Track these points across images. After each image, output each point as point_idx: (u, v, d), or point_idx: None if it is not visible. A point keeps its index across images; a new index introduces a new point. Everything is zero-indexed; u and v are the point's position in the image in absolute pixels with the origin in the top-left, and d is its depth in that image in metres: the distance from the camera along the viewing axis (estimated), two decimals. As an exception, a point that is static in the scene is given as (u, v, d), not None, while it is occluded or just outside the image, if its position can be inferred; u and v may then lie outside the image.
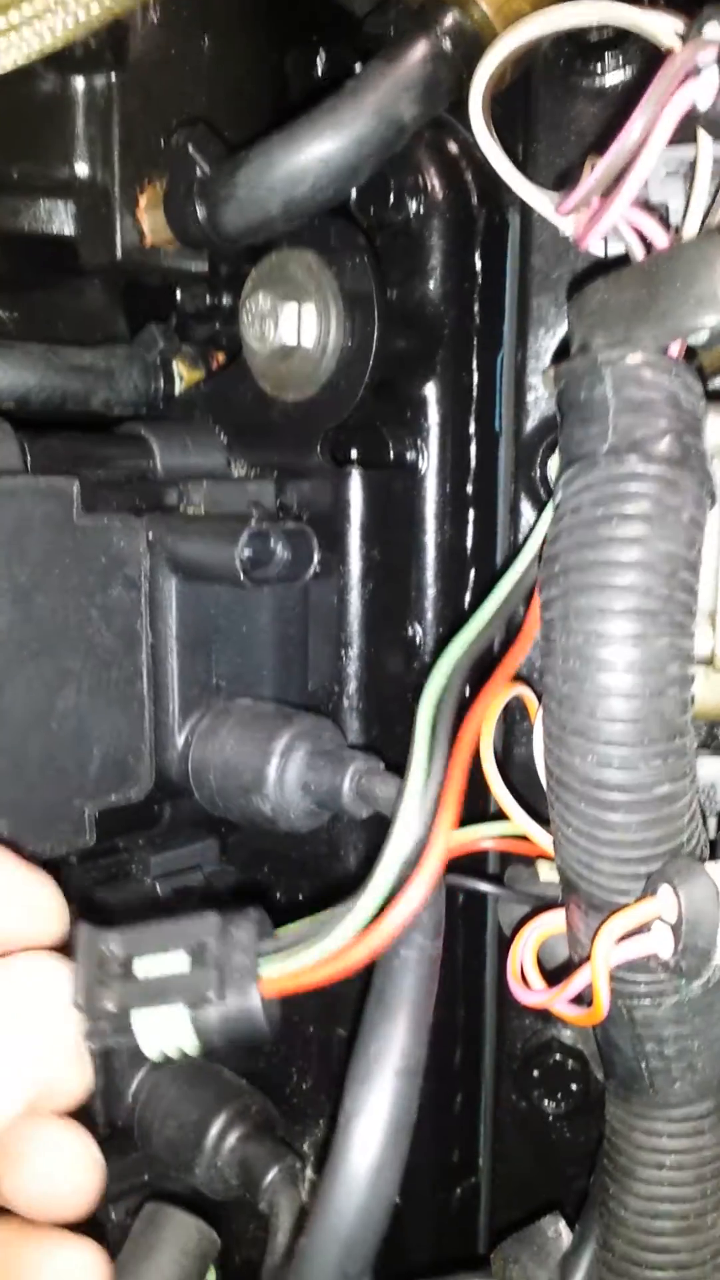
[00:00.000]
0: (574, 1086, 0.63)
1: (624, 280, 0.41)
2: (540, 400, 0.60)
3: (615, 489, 0.37)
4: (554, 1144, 0.65)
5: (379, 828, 0.61)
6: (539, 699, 0.44)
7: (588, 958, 0.42)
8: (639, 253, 0.43)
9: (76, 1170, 0.42)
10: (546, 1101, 0.64)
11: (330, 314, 0.55)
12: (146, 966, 0.42)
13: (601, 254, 0.52)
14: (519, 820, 0.48)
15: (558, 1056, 0.64)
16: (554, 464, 0.57)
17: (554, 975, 0.47)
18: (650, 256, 0.41)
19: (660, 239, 0.42)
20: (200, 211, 0.51)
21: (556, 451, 0.57)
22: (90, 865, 0.62)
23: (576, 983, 0.41)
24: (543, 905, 0.52)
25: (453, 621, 0.63)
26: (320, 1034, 0.63)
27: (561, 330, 0.59)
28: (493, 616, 0.48)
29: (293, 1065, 0.65)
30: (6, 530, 0.49)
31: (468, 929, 0.67)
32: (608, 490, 0.37)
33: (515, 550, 0.62)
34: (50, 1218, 0.43)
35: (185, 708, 0.57)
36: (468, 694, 0.48)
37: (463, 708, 0.47)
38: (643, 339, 0.39)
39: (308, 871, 0.62)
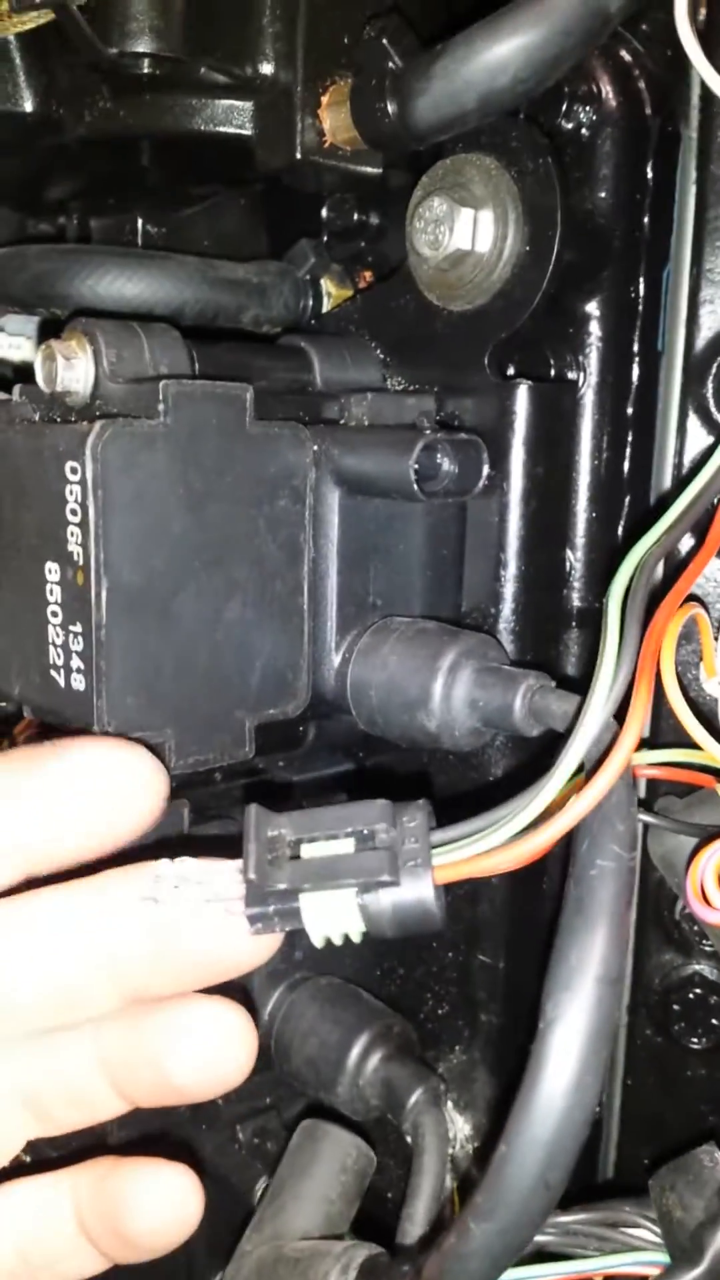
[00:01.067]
0: (715, 1022, 0.62)
1: None
2: (716, 314, 0.57)
3: None
4: (690, 1081, 0.64)
5: (530, 754, 0.60)
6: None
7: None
8: None
9: (234, 1046, 0.43)
10: (687, 1037, 0.63)
11: (509, 219, 0.53)
12: (316, 850, 0.41)
13: None
14: (703, 741, 0.47)
15: (699, 991, 0.63)
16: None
17: None
18: None
19: None
20: (391, 107, 0.50)
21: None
22: (232, 784, 0.62)
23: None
24: (707, 836, 0.51)
25: (608, 549, 0.62)
26: (459, 959, 0.62)
27: (736, 244, 0.57)
28: (678, 519, 0.47)
29: (428, 991, 0.64)
30: (183, 435, 0.48)
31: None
32: None
33: (678, 476, 0.61)
34: (201, 1092, 0.44)
35: (342, 625, 0.56)
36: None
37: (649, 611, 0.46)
38: None
39: (448, 799, 0.61)
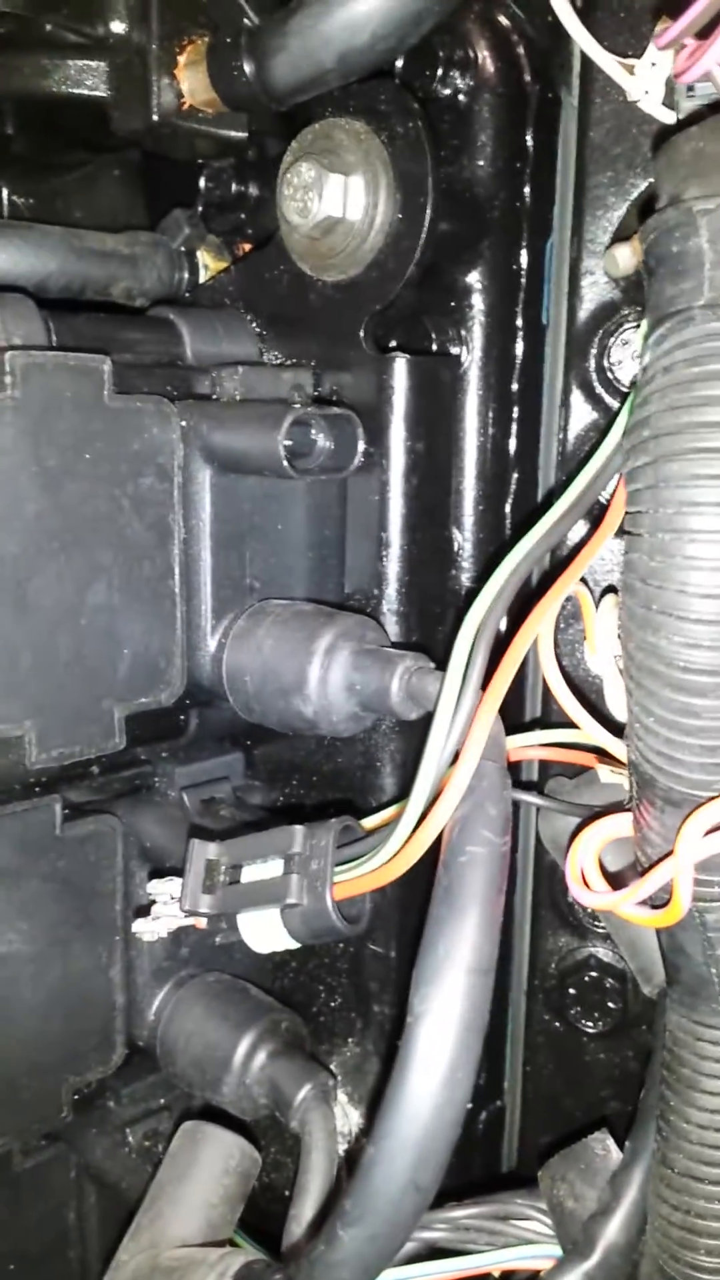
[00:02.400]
0: (611, 1005, 0.62)
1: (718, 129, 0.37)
2: (598, 285, 0.56)
3: (714, 345, 0.34)
4: (588, 1065, 0.64)
5: (415, 737, 0.59)
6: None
7: (663, 857, 0.40)
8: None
9: None
10: (583, 1020, 0.62)
11: (380, 185, 0.51)
12: (250, 873, 0.48)
13: (672, 119, 0.49)
14: (580, 720, 0.46)
15: (594, 974, 0.62)
16: (617, 351, 0.55)
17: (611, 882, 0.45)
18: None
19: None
20: (248, 66, 0.48)
21: (616, 336, 0.54)
22: (112, 777, 0.60)
23: (652, 881, 0.39)
24: (591, 816, 0.50)
25: (495, 528, 0.60)
26: (350, 950, 0.61)
27: (619, 213, 0.56)
28: (561, 517, 0.45)
29: (320, 983, 0.63)
30: (35, 410, 0.46)
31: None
32: (705, 347, 0.34)
33: (562, 454, 0.60)
34: None
35: (218, 609, 0.54)
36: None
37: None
38: (742, 189, 0.36)
39: (341, 785, 0.59)
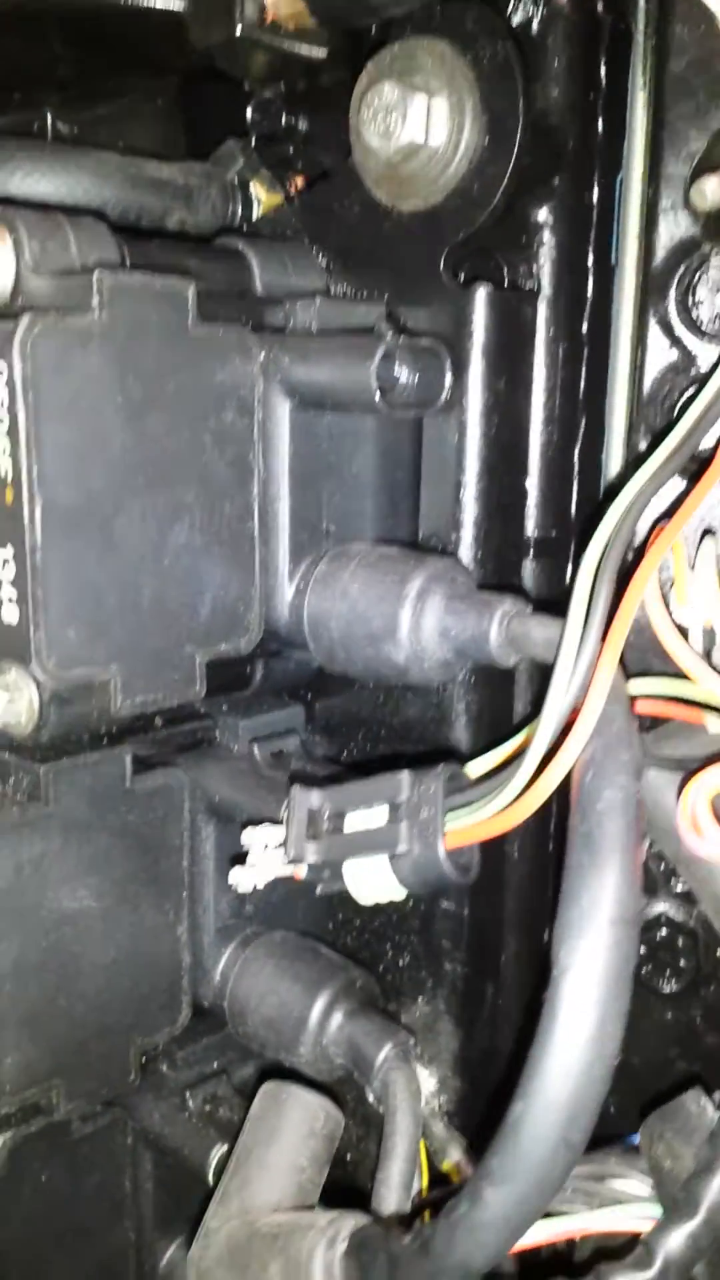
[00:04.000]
0: (684, 963, 0.60)
1: None
2: (678, 222, 0.54)
3: None
4: (660, 1025, 0.62)
5: (492, 690, 0.57)
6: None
7: None
8: None
9: None
10: (656, 980, 0.61)
11: (465, 108, 0.49)
12: (354, 821, 0.46)
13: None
14: (696, 669, 0.44)
15: (665, 932, 0.61)
16: (701, 290, 0.53)
17: None
18: None
19: None
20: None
21: (701, 274, 0.52)
22: (175, 730, 0.58)
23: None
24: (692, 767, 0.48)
25: (563, 475, 0.58)
26: (421, 907, 0.59)
27: (701, 146, 0.54)
28: (673, 452, 0.43)
29: (387, 941, 0.61)
30: (121, 335, 0.44)
31: (561, 804, 0.63)
32: None
33: (636, 396, 0.58)
34: None
35: (295, 552, 0.52)
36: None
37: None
38: None
39: (411, 738, 0.58)
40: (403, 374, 0.48)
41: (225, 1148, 0.56)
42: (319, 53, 0.53)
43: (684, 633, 0.49)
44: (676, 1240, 0.46)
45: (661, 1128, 0.50)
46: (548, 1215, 0.49)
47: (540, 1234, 0.48)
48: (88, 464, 0.43)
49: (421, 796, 0.44)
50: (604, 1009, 0.34)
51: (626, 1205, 0.49)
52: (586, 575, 0.40)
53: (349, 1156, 0.64)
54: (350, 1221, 0.42)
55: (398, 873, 0.44)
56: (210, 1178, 0.57)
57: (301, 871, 0.46)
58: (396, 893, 0.45)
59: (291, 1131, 0.49)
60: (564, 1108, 0.33)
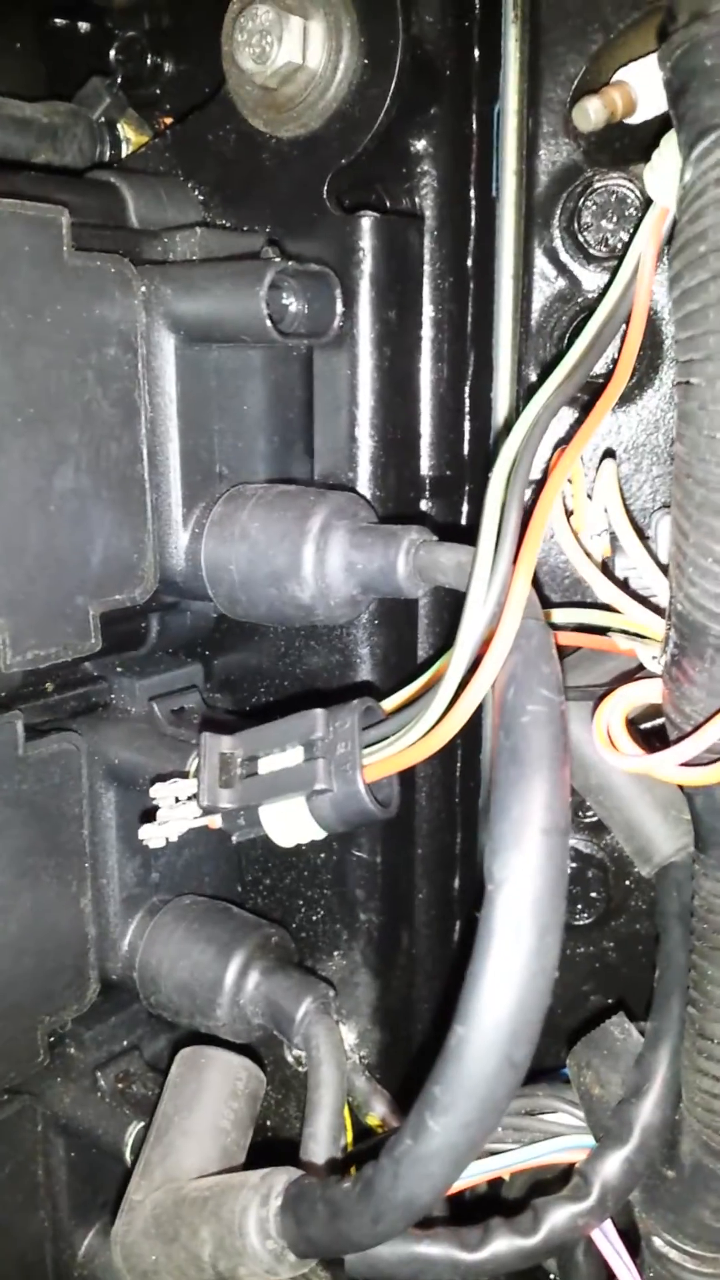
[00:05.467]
0: (594, 895, 0.60)
1: None
2: (559, 148, 0.53)
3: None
4: (573, 958, 0.62)
5: (395, 632, 0.56)
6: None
7: (714, 714, 0.38)
8: None
9: None
10: (568, 913, 0.60)
11: (342, 29, 0.47)
12: (268, 764, 0.44)
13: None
14: (612, 597, 0.44)
15: (575, 865, 0.60)
16: (586, 215, 0.52)
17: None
18: None
19: None
20: None
21: (585, 198, 0.52)
22: (68, 695, 0.55)
23: (707, 736, 0.37)
24: (603, 692, 0.48)
25: (453, 410, 0.58)
26: (333, 859, 0.58)
27: (579, 70, 0.53)
28: (574, 368, 0.43)
29: (299, 897, 0.60)
30: (-8, 264, 0.41)
31: (466, 749, 0.63)
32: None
33: (523, 328, 0.57)
34: None
35: (189, 496, 0.50)
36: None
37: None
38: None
39: (317, 685, 0.56)
40: (293, 301, 0.46)
41: (142, 1125, 0.54)
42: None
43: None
44: (612, 1166, 0.46)
45: (588, 1056, 0.49)
46: (484, 1155, 0.49)
47: (474, 1173, 0.48)
48: (-37, 401, 0.40)
49: (337, 733, 0.43)
50: (542, 920, 0.33)
51: (559, 1138, 0.49)
52: (495, 495, 0.39)
53: (269, 1122, 0.62)
54: (283, 1176, 0.40)
55: (316, 812, 0.43)
56: (128, 1157, 0.55)
57: (216, 820, 0.45)
58: (316, 832, 0.44)
59: (212, 1094, 0.47)
60: (506, 1025, 0.32)
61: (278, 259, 0.45)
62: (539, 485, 0.44)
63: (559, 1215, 0.45)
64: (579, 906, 0.61)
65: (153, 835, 0.46)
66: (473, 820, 0.64)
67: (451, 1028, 0.33)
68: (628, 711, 0.44)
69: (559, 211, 0.54)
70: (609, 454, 0.53)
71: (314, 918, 0.59)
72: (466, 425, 0.58)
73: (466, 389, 0.58)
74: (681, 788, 0.45)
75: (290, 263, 0.46)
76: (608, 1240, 0.47)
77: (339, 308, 0.49)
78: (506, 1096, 0.33)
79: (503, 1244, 0.45)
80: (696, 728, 0.39)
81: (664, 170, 0.39)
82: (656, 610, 0.43)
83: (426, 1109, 0.33)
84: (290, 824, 0.44)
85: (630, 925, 0.62)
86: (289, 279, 0.46)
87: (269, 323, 0.45)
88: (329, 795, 0.42)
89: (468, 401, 0.58)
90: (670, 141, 0.39)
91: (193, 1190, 0.43)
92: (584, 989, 0.63)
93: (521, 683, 0.36)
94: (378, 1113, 0.58)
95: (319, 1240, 0.37)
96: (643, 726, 0.46)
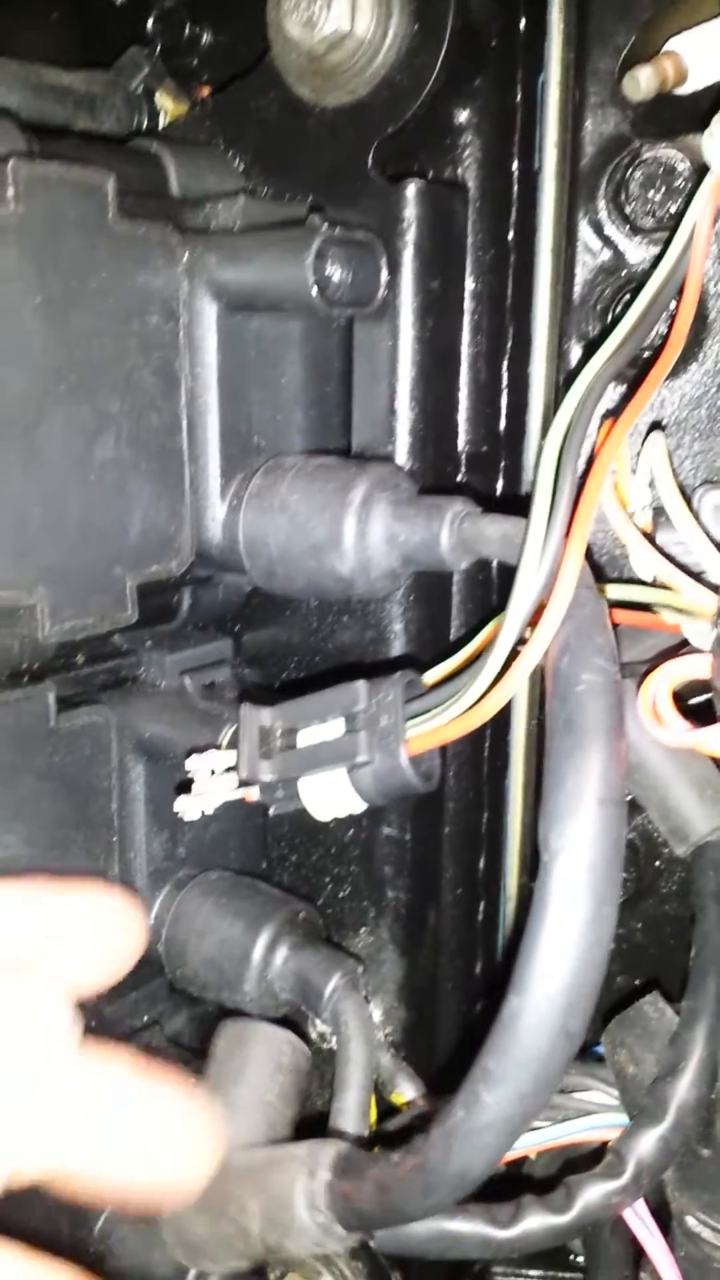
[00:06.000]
0: (625, 876, 0.60)
1: None
2: (607, 119, 0.53)
3: None
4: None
5: (430, 607, 0.56)
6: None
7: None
8: None
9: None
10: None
11: (391, -3, 0.47)
12: (308, 736, 0.44)
13: None
14: (658, 568, 0.43)
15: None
16: (635, 187, 0.52)
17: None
18: None
19: None
20: None
21: (633, 170, 0.51)
22: (98, 667, 0.55)
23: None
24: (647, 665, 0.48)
25: (493, 387, 0.57)
26: (361, 836, 0.58)
27: (627, 40, 0.53)
28: (627, 337, 0.42)
29: (326, 874, 0.59)
30: (39, 229, 0.40)
31: (495, 728, 0.62)
32: None
33: (563, 302, 0.57)
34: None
35: (226, 468, 0.49)
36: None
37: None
38: None
39: (349, 661, 0.56)
40: (337, 270, 0.46)
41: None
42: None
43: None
44: (647, 1144, 0.46)
45: (622, 1035, 0.49)
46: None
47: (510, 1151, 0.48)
48: (6, 367, 0.40)
49: (380, 705, 0.42)
50: (599, 890, 0.32)
51: (592, 1115, 0.49)
52: (549, 464, 0.39)
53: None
54: (331, 1149, 0.40)
55: (357, 784, 0.43)
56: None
57: (254, 793, 0.44)
58: (355, 805, 0.44)
59: (257, 1068, 0.47)
60: (562, 996, 0.32)
61: (323, 227, 0.45)
62: (590, 457, 0.44)
63: (593, 1193, 0.45)
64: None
65: (189, 807, 0.45)
66: (499, 800, 0.64)
67: (506, 998, 0.33)
68: (674, 686, 0.44)
69: (605, 183, 0.54)
70: (656, 425, 0.52)
71: (341, 894, 0.59)
72: (504, 400, 0.58)
73: (505, 364, 0.58)
74: (721, 765, 0.45)
75: (337, 230, 0.45)
76: (639, 1219, 0.47)
77: (384, 277, 0.48)
78: (562, 1068, 0.33)
79: (535, 1221, 0.44)
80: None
81: (722, 136, 0.39)
82: (711, 586, 0.43)
83: (480, 1081, 0.33)
84: (330, 797, 0.44)
85: (659, 907, 0.62)
86: (334, 247, 0.45)
87: (315, 291, 0.44)
88: (370, 768, 0.42)
89: (505, 376, 0.58)
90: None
91: (239, 1162, 0.43)
92: (612, 969, 0.63)
93: (576, 652, 0.35)
94: (403, 1090, 0.57)
95: (369, 1213, 0.37)
96: (690, 702, 0.45)
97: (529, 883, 0.64)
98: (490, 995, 0.65)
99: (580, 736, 0.33)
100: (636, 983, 0.63)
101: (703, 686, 0.44)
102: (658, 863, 0.61)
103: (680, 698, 0.48)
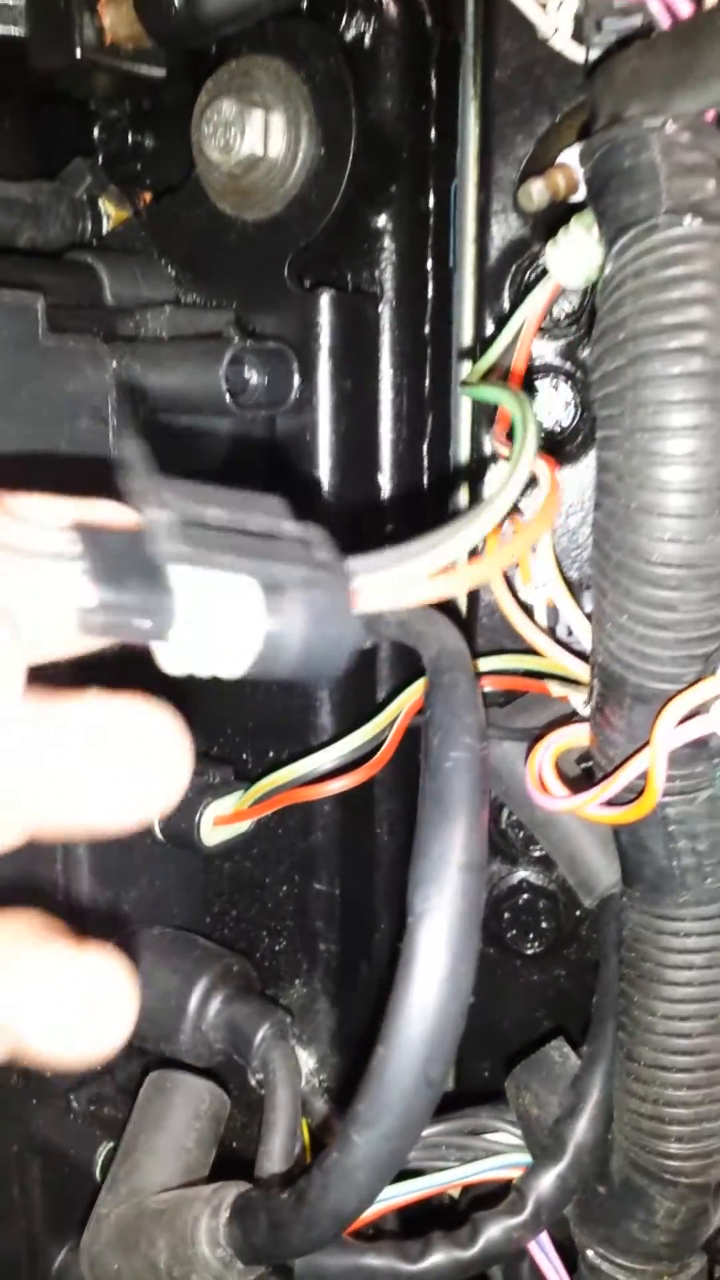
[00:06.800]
0: (545, 925, 0.64)
1: (658, 47, 0.39)
2: (509, 223, 0.57)
3: (680, 250, 0.36)
4: (525, 987, 0.65)
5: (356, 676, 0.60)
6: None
7: (629, 756, 0.41)
8: (665, 21, 0.41)
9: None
10: (519, 943, 0.64)
11: (301, 122, 0.51)
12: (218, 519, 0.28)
13: (581, 56, 0.51)
14: (541, 644, 0.47)
15: (527, 896, 0.64)
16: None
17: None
18: (687, 20, 0.40)
19: (684, 8, 0.41)
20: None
21: (530, 272, 0.56)
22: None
23: (625, 776, 0.40)
24: (536, 736, 0.52)
25: (412, 469, 0.61)
26: (294, 890, 0.61)
27: (526, 151, 0.57)
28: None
29: (263, 928, 0.63)
30: (-28, 346, 0.45)
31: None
32: (671, 252, 0.36)
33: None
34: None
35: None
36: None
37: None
38: (683, 104, 0.38)
39: (281, 734, 0.59)
40: (252, 376, 0.50)
41: (112, 1145, 0.57)
42: (159, 72, 0.55)
43: (529, 610, 0.52)
44: (546, 1182, 0.49)
45: (527, 1078, 0.53)
46: (422, 1173, 0.52)
47: (415, 1190, 0.51)
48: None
49: (310, 538, 0.31)
50: (457, 949, 0.36)
51: (497, 1156, 0.52)
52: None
53: (234, 1144, 0.65)
54: (233, 1190, 0.43)
55: (274, 619, 0.27)
56: (98, 1175, 0.58)
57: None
58: (244, 655, 0.27)
59: (177, 1115, 0.50)
60: (423, 1047, 0.35)
61: (236, 339, 0.49)
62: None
63: (495, 1229, 0.48)
64: (530, 936, 0.64)
65: None
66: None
67: (375, 1050, 0.36)
68: (560, 753, 0.48)
69: (508, 283, 0.58)
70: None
71: (276, 948, 0.62)
72: (425, 480, 0.62)
73: (425, 448, 0.62)
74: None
75: (248, 341, 0.50)
76: (543, 1253, 0.50)
77: (295, 380, 0.52)
78: (425, 1111, 0.36)
79: (442, 1255, 0.48)
80: (616, 769, 0.42)
81: (567, 249, 0.43)
82: (584, 658, 0.47)
83: (351, 1124, 0.36)
84: (217, 623, 0.26)
85: (582, 954, 0.65)
86: (248, 355, 0.49)
87: (228, 398, 0.48)
88: (302, 595, 0.28)
89: (426, 460, 0.62)
90: (577, 224, 0.43)
91: (153, 1203, 0.46)
92: (537, 1015, 0.66)
93: (447, 731, 0.39)
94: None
95: (262, 1247, 0.40)
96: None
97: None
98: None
99: (446, 809, 0.37)
100: (562, 1026, 0.66)
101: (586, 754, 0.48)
102: (578, 912, 0.64)
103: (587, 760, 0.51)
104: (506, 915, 0.64)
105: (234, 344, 0.48)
